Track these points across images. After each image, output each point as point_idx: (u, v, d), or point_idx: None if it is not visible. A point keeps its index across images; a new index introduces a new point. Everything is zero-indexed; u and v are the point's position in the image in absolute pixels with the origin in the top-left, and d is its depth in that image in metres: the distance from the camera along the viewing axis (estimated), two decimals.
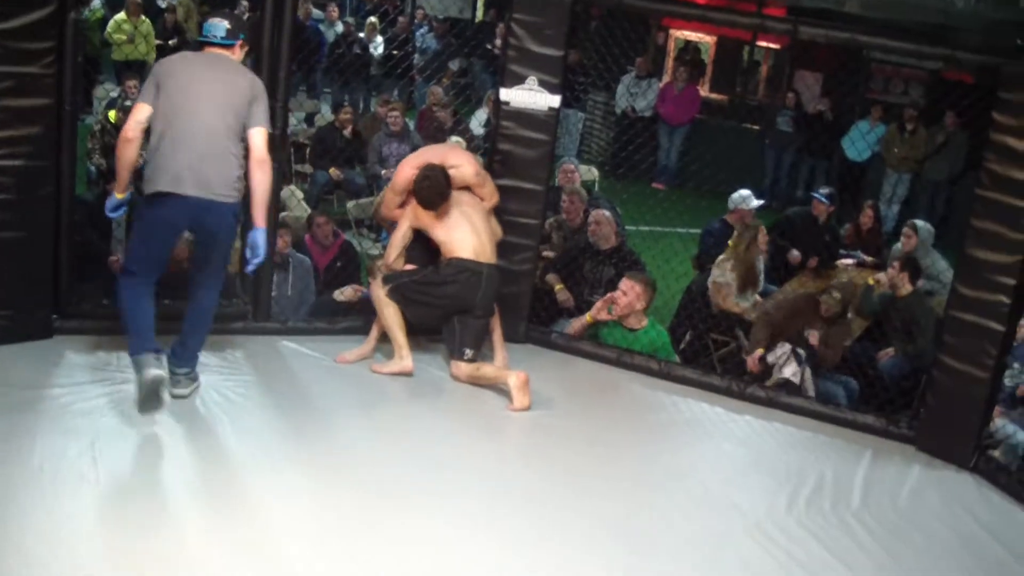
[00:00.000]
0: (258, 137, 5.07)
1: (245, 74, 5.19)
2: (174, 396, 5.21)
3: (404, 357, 5.99)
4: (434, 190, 5.92)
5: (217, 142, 5.00)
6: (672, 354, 6.91)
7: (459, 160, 6.16)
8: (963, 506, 5.49)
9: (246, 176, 5.10)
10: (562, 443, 5.53)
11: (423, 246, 6.12)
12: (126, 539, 4.06)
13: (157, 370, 4.98)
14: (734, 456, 5.77)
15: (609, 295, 6.79)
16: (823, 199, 9.51)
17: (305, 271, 7.44)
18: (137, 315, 5.06)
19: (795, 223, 9.40)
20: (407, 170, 6.05)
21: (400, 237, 6.10)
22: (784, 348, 7.02)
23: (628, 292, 6.63)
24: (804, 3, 13.37)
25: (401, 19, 16.59)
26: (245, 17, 14.11)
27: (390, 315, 5.97)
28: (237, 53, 5.24)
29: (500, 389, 5.92)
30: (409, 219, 6.08)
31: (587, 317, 6.81)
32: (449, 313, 6.02)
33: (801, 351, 6.96)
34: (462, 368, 6.01)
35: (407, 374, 5.97)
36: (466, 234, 6.02)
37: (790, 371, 6.95)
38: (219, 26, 5.18)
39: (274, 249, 6.29)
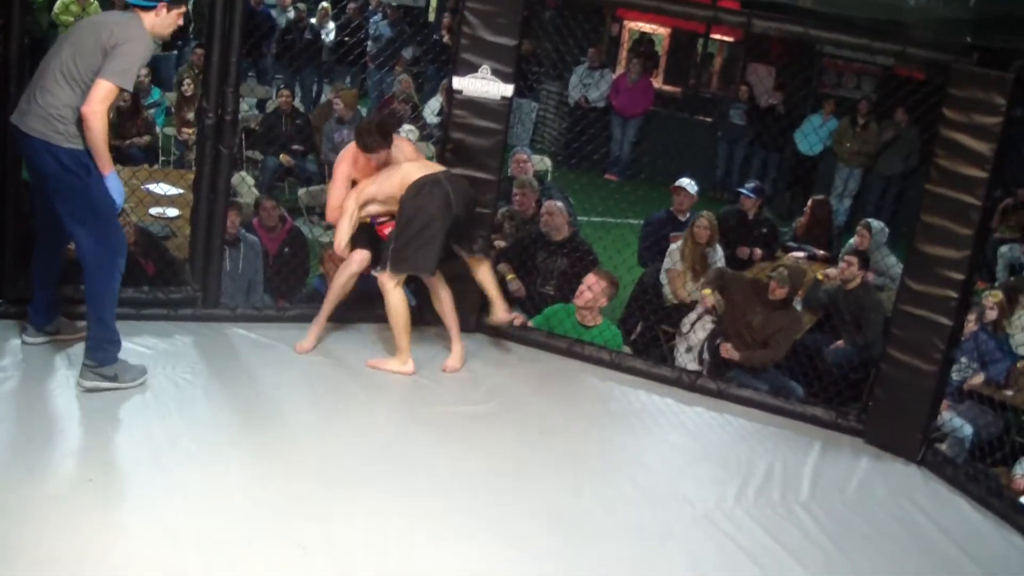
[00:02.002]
0: (94, 88, 4.73)
1: (120, 25, 4.84)
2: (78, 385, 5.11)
3: (407, 362, 5.92)
4: (377, 127, 5.84)
5: (46, 80, 4.79)
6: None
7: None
8: (910, 498, 5.53)
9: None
10: (510, 432, 5.52)
11: (367, 234, 6.02)
12: (63, 527, 4.02)
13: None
14: (683, 447, 5.78)
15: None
16: (749, 193, 9.56)
17: (255, 253, 7.40)
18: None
19: (726, 222, 9.45)
20: (342, 165, 5.98)
21: (348, 219, 5.91)
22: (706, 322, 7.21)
23: (593, 287, 6.65)
24: None
25: (352, 5, 16.44)
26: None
27: (400, 313, 5.84)
28: (160, 16, 5.00)
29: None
30: (354, 197, 5.91)
31: None
32: (448, 235, 5.84)
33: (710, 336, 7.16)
34: (484, 263, 6.14)
35: (408, 375, 5.92)
36: (405, 167, 5.89)
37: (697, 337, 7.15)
38: None
39: (224, 227, 6.21)
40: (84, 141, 4.82)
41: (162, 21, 5.01)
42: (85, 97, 4.76)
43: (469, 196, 5.96)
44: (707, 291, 7.31)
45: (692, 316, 7.47)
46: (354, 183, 5.97)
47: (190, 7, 14.19)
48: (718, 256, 8.36)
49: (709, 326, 7.26)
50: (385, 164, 5.93)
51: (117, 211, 5.05)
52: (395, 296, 5.82)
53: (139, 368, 5.26)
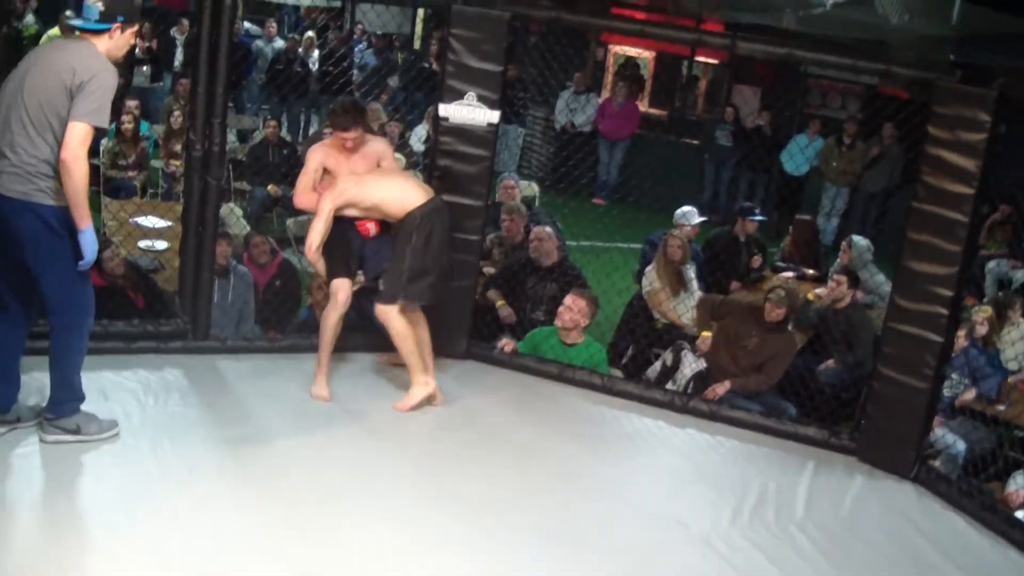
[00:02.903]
0: (70, 132, 4.42)
1: (81, 60, 4.49)
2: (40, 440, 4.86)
3: (428, 383, 5.86)
4: (350, 105, 5.81)
5: (13, 133, 4.48)
6: (607, 372, 6.88)
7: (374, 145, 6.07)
8: (904, 515, 5.53)
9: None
10: (500, 455, 5.52)
11: (340, 234, 5.90)
12: (57, 558, 4.00)
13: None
14: (677, 469, 5.77)
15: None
16: (758, 218, 9.59)
17: (245, 284, 7.39)
18: None
19: (717, 244, 9.43)
20: (315, 153, 5.90)
21: (323, 222, 5.75)
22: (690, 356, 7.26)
23: (573, 307, 6.64)
24: (742, 19, 13.47)
25: (331, 35, 16.43)
26: (183, 35, 14.13)
27: (409, 338, 5.78)
28: (114, 38, 4.64)
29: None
30: (331, 201, 5.76)
31: None
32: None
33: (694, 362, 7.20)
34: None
35: (434, 398, 5.90)
36: (401, 184, 5.83)
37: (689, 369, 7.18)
38: (92, 8, 4.58)
39: (213, 259, 6.19)
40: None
41: (116, 43, 4.67)
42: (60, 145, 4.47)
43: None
44: (706, 332, 7.26)
45: (669, 356, 7.48)
46: (325, 172, 5.89)
47: (181, 39, 14.31)
48: (692, 274, 8.38)
49: (697, 363, 7.23)
50: (359, 147, 5.86)
51: (88, 267, 4.66)
52: (399, 323, 5.75)
53: (108, 421, 5.01)
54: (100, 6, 4.58)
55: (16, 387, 4.94)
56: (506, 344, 6.82)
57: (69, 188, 4.45)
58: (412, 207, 5.70)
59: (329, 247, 5.86)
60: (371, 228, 5.87)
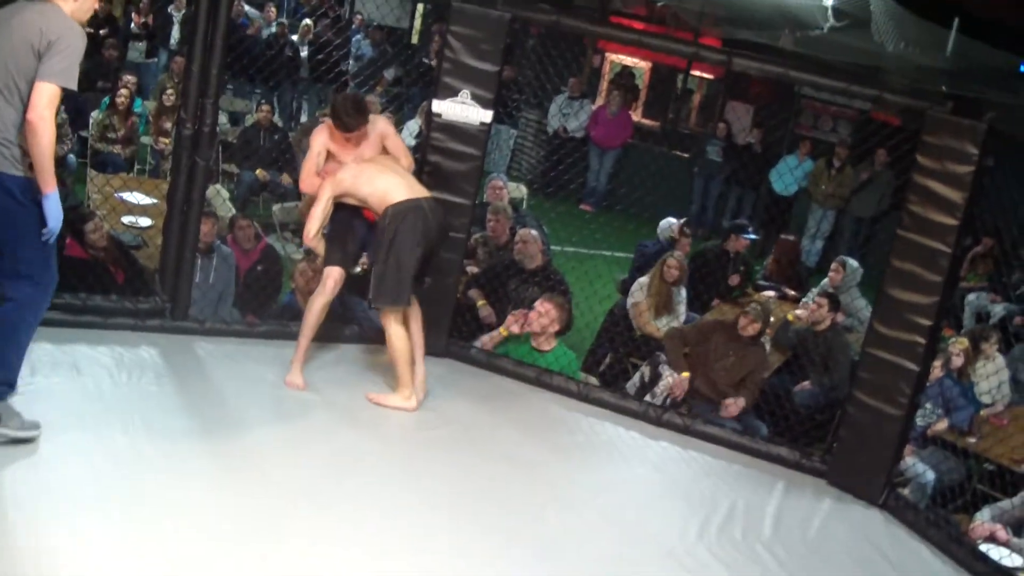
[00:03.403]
0: (37, 92, 4.27)
1: (47, 21, 4.34)
2: None
3: (410, 397, 5.83)
4: (352, 104, 5.73)
5: None
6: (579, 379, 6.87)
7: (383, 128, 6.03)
8: (871, 541, 5.54)
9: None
10: (475, 459, 5.50)
11: (345, 218, 5.91)
12: (24, 538, 3.97)
13: None
14: (648, 481, 5.77)
15: (521, 311, 6.80)
16: (751, 236, 9.61)
17: (228, 266, 7.38)
18: None
19: (703, 259, 9.44)
20: (320, 137, 5.86)
21: (321, 209, 5.74)
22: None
23: (545, 313, 6.63)
24: (739, 36, 13.55)
25: (324, 22, 16.38)
26: (180, 12, 14.11)
27: (401, 347, 5.74)
28: (79, 0, 4.50)
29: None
30: (330, 188, 5.75)
31: (501, 330, 6.79)
32: (422, 259, 5.75)
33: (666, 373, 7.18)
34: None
35: (410, 411, 5.84)
36: (390, 179, 5.73)
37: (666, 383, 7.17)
38: None
39: (197, 239, 6.15)
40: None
41: (81, 6, 4.51)
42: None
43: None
44: (685, 374, 7.22)
45: (647, 370, 7.47)
46: (329, 155, 5.86)
47: (178, 16, 14.27)
48: (682, 297, 8.39)
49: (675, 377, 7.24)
50: (362, 139, 5.83)
51: (53, 238, 4.47)
52: (394, 330, 5.72)
53: (31, 422, 4.62)
54: None
55: None
56: (489, 341, 6.82)
57: (35, 150, 4.31)
58: (387, 204, 5.66)
59: (331, 232, 5.87)
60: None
